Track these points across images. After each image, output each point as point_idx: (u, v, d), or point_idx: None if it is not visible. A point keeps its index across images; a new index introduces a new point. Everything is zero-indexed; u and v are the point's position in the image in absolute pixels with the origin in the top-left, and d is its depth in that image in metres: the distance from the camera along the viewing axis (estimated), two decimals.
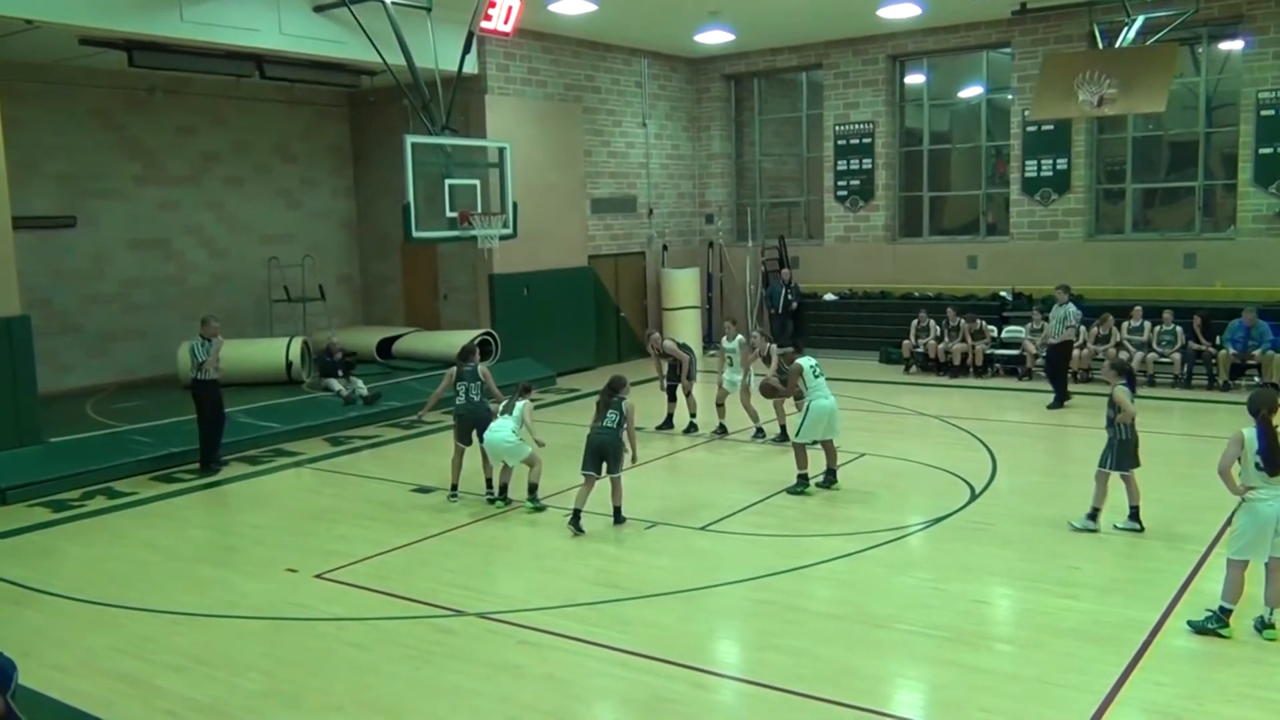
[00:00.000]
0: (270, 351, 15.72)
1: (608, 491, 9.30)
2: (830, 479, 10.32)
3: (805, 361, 10.30)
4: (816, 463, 10.36)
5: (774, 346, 12.48)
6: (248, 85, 16.30)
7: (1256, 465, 6.48)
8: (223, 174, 17.62)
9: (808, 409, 10.14)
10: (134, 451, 12.10)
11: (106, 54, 13.52)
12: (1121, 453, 8.69)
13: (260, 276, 17.83)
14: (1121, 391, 8.69)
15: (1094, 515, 8.78)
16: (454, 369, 10.48)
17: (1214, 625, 6.55)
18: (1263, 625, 6.55)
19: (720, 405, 12.97)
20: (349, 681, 6.39)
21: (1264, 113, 16.11)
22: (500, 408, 9.99)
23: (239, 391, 14.34)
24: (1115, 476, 8.72)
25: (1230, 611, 6.55)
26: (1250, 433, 6.55)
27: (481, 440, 10.12)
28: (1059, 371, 14.32)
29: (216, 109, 17.36)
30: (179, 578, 8.52)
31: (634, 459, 9.46)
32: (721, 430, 12.92)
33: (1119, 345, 15.63)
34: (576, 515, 9.14)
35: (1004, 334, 17.11)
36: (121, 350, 16.24)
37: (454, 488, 10.37)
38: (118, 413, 13.65)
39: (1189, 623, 6.67)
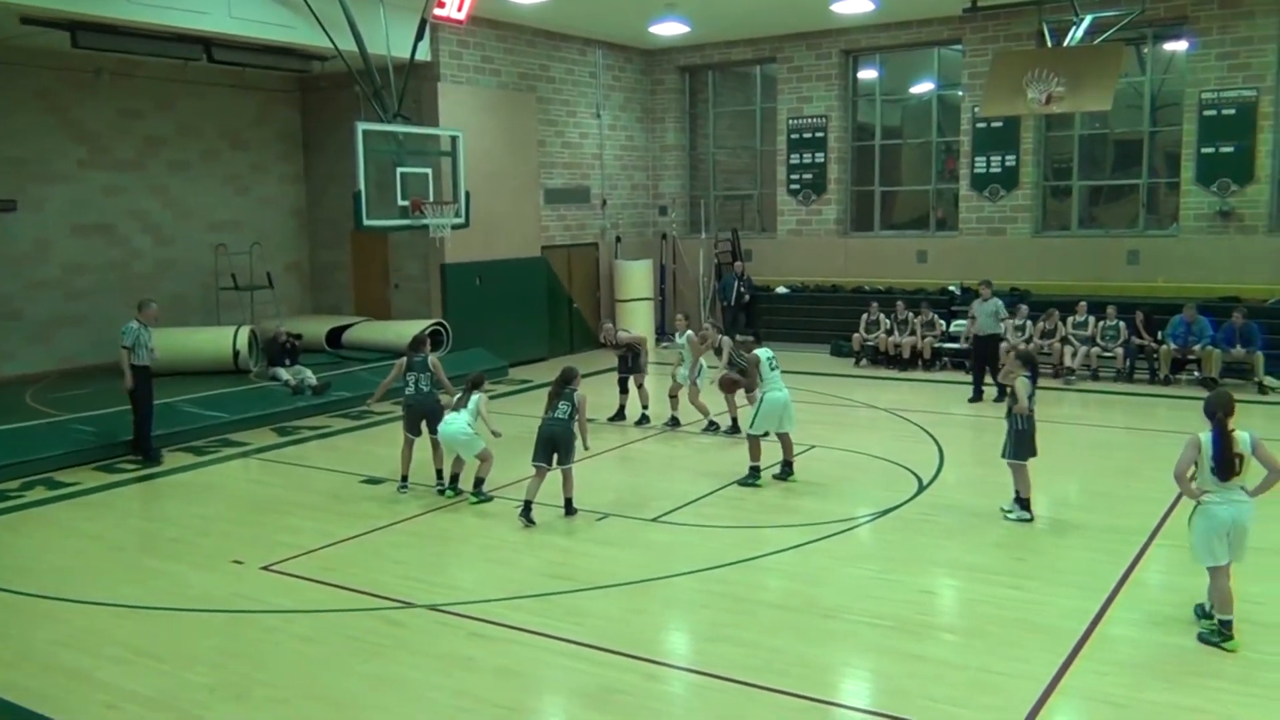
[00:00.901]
0: (217, 340, 15.49)
1: (559, 483, 9.29)
2: (786, 471, 10.41)
3: (763, 353, 10.35)
4: (770, 455, 10.43)
5: (726, 339, 12.53)
6: (196, 69, 16.01)
7: (1211, 469, 6.44)
8: (169, 159, 17.30)
9: (761, 401, 10.20)
10: (76, 441, 11.86)
11: (49, 34, 13.21)
12: (1019, 442, 8.91)
13: (207, 264, 17.54)
14: (1021, 383, 8.87)
15: (1025, 504, 8.96)
16: (404, 359, 10.40)
17: (1218, 640, 6.38)
18: (1204, 614, 6.63)
19: (673, 397, 13.00)
20: (297, 674, 6.33)
21: (1206, 113, 16.46)
22: (454, 401, 9.93)
23: (184, 381, 14.15)
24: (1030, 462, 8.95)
25: (1230, 623, 6.39)
26: (1206, 437, 6.50)
27: (431, 432, 10.08)
28: (987, 365, 14.40)
29: (163, 92, 17.02)
30: (122, 570, 8.39)
31: (586, 448, 9.46)
32: (674, 422, 12.96)
33: (1064, 340, 15.91)
34: (528, 507, 9.12)
35: (952, 328, 17.32)
36: (63, 337, 15.89)
37: (404, 479, 10.30)
38: (59, 401, 13.37)
39: (1199, 636, 6.49)
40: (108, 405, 12.47)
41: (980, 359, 14.52)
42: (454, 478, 10.14)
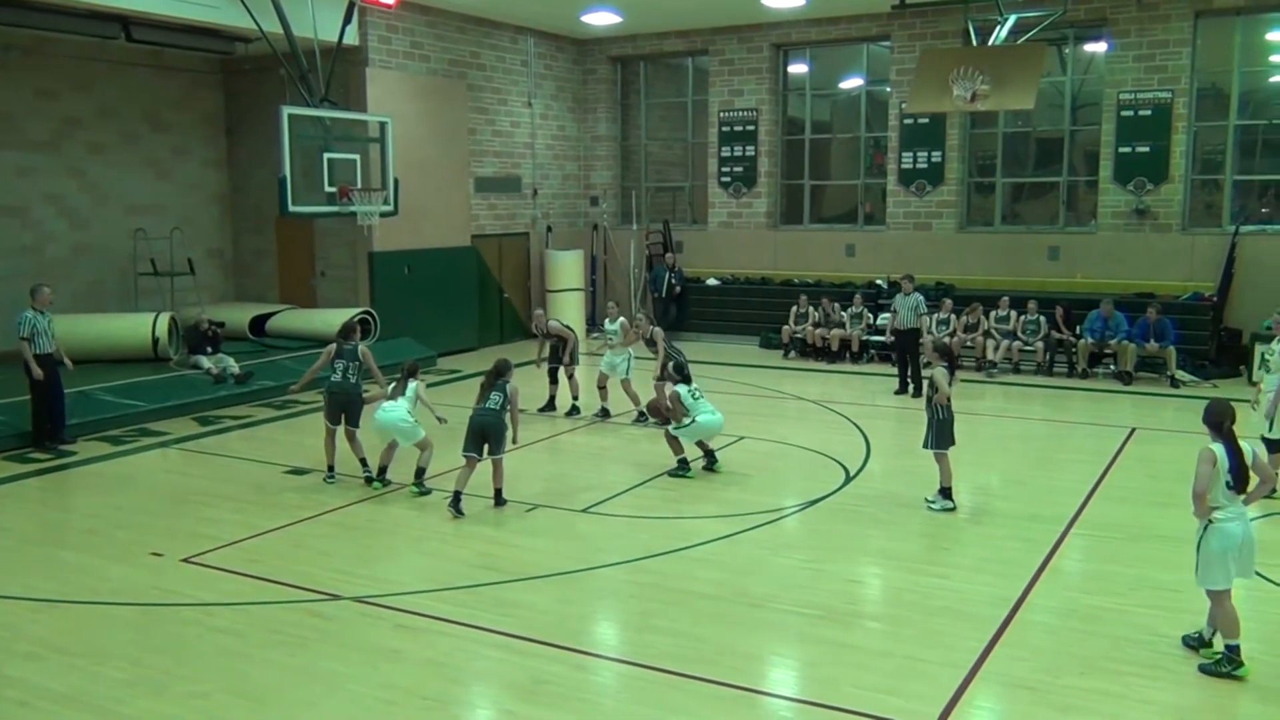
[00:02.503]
0: (135, 327, 15.08)
1: (488, 474, 9.23)
2: (711, 459, 10.47)
3: (682, 389, 10.32)
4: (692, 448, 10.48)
5: (659, 330, 12.56)
6: (114, 48, 15.51)
7: (1227, 484, 6.03)
8: (85, 140, 16.76)
9: (695, 424, 10.20)
10: None
11: None
12: (940, 432, 9.09)
13: (125, 249, 17.03)
14: (940, 373, 9.04)
15: (947, 494, 9.13)
16: (333, 346, 10.21)
17: (1228, 669, 5.96)
18: (1201, 643, 6.27)
19: (602, 388, 12.99)
20: (218, 668, 6.19)
21: (1124, 113, 16.90)
22: (388, 390, 9.78)
23: (102, 368, 13.75)
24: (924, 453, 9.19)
25: (1238, 648, 5.99)
26: (1220, 449, 6.07)
27: (349, 424, 9.93)
28: (910, 357, 14.66)
29: (80, 72, 16.48)
30: (34, 562, 8.13)
31: (515, 440, 9.41)
32: (604, 413, 12.95)
33: (986, 334, 16.25)
34: (457, 497, 9.05)
35: (879, 321, 17.55)
36: None
37: (330, 469, 10.13)
38: None
39: (1200, 667, 6.07)
40: (18, 393, 12.05)
41: (902, 352, 14.75)
42: (383, 469, 10.00)
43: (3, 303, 15.38)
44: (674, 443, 10.29)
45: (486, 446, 9.15)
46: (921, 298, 14.91)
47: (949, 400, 9.03)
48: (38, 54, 15.69)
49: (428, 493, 9.65)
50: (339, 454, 10.13)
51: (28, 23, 13.43)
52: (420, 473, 9.70)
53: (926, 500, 9.21)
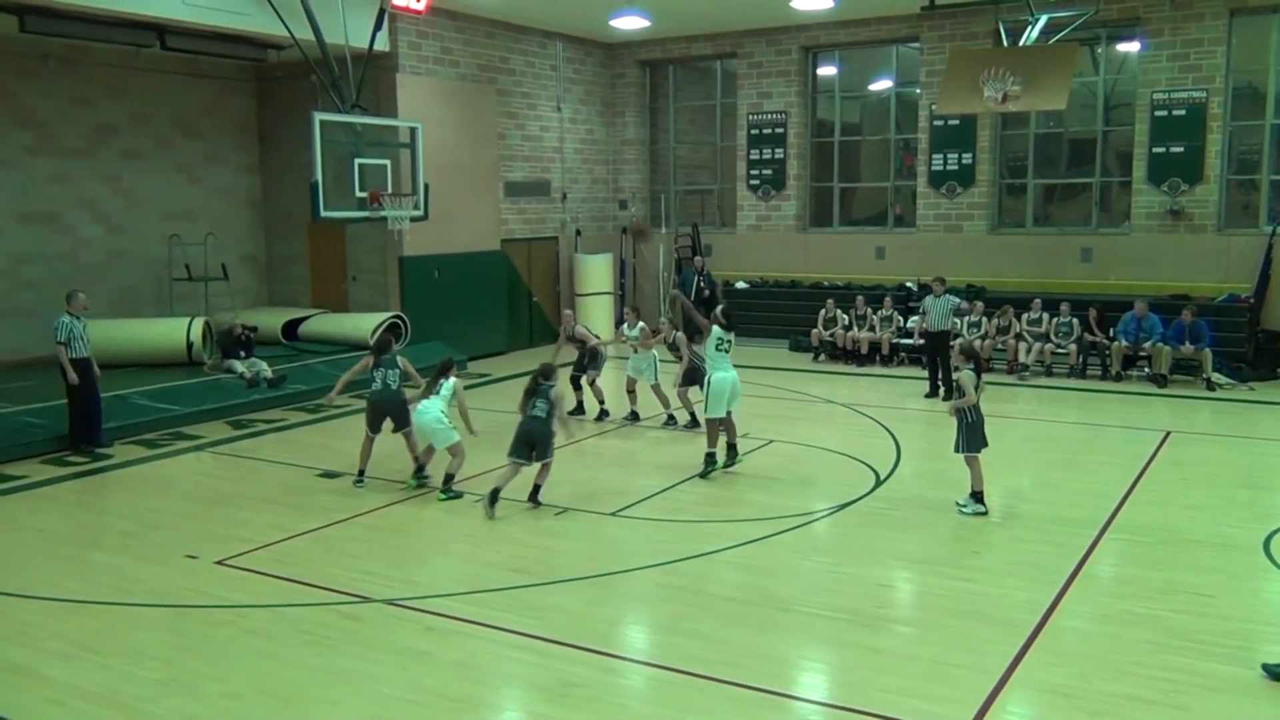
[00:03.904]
0: (170, 332, 15.25)
1: (525, 476, 9.27)
2: (732, 455, 10.50)
3: (715, 331, 10.31)
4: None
5: (681, 334, 12.54)
6: (148, 56, 15.72)
7: None
8: (120, 147, 16.98)
9: (709, 384, 10.24)
10: (24, 433, 11.64)
11: None
12: (970, 435, 9.03)
13: (160, 254, 17.25)
14: (967, 375, 9.00)
15: (978, 498, 9.07)
16: (370, 357, 10.26)
17: None
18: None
19: (631, 392, 12.99)
20: (249, 669, 6.25)
21: (1157, 113, 16.72)
22: (422, 389, 9.84)
23: (137, 373, 13.93)
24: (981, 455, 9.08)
25: None
26: None
27: (396, 429, 10.02)
28: (941, 360, 14.53)
29: (115, 80, 16.70)
30: (68, 563, 8.24)
31: (571, 435, 9.48)
32: (633, 416, 12.94)
33: (1018, 336, 16.11)
34: (494, 495, 9.05)
35: (909, 323, 17.46)
36: (10, 329, 15.53)
37: (361, 473, 10.19)
38: (6, 393, 13.07)
39: (1263, 667, 5.94)
40: (56, 397, 12.21)
41: (933, 354, 14.64)
42: (420, 466, 10.07)
43: (39, 308, 15.62)
44: (711, 430, 10.31)
45: (534, 452, 9.19)
46: (954, 299, 14.80)
47: (977, 403, 8.96)
48: (73, 62, 15.93)
49: (458, 496, 9.69)
50: (371, 458, 10.18)
51: (66, 32, 13.63)
52: (449, 479, 9.73)
53: (958, 504, 9.14)
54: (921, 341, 15.01)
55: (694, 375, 11.45)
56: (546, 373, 9.34)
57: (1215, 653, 6.28)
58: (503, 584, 7.58)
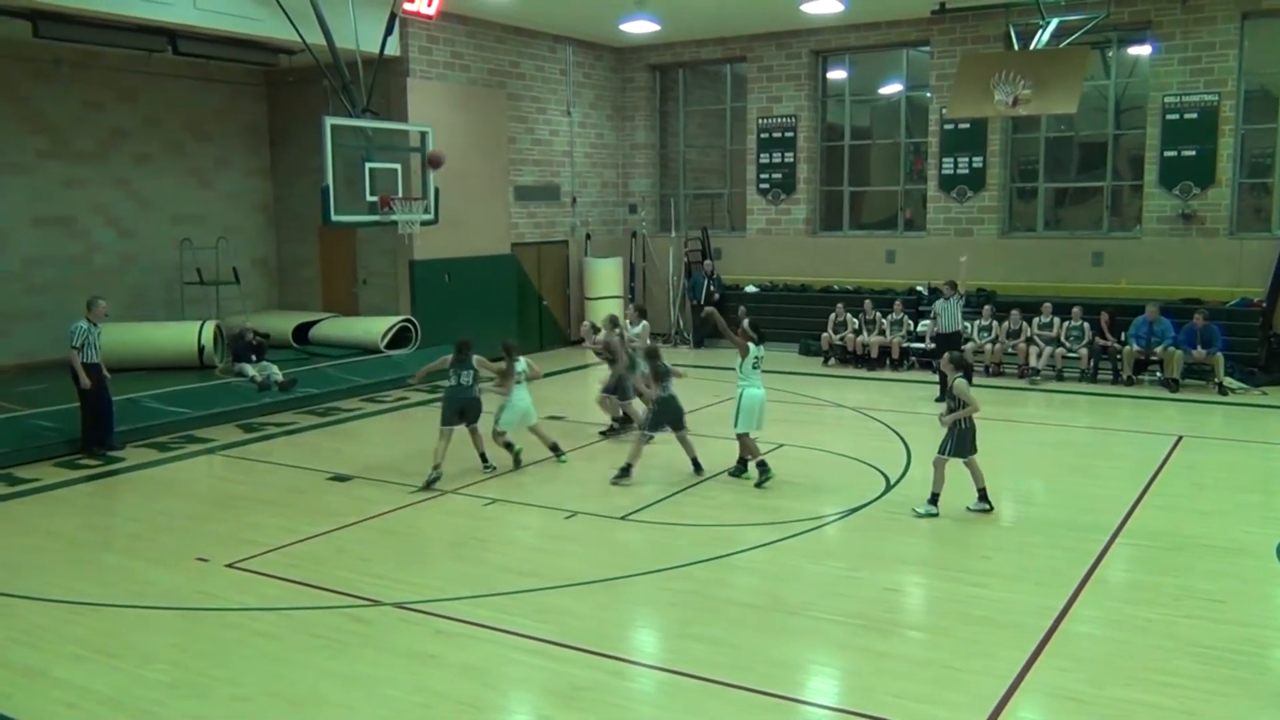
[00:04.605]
0: (181, 335, 15.29)
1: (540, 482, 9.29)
2: (740, 468, 10.49)
3: (754, 349, 10.19)
4: (724, 454, 10.45)
5: (623, 339, 12.32)
6: (160, 60, 15.77)
7: None
8: (132, 151, 17.06)
9: (742, 400, 10.06)
10: (37, 436, 11.69)
11: (9, 23, 12.98)
12: (960, 440, 9.05)
13: (171, 258, 17.32)
14: (961, 384, 9.00)
15: (934, 500, 9.12)
16: (449, 356, 10.75)
17: None
18: None
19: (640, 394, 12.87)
20: (259, 672, 6.26)
21: (1169, 116, 16.66)
22: (497, 382, 10.84)
23: (148, 376, 13.96)
24: (956, 463, 9.10)
25: None
26: None
27: (469, 424, 10.58)
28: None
29: (126, 84, 16.77)
30: (79, 566, 8.26)
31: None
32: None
33: (1029, 340, 16.06)
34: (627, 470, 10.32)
35: (919, 328, 17.41)
36: (23, 332, 15.61)
37: (436, 467, 10.25)
38: (18, 396, 13.13)
39: None
40: (67, 400, 12.26)
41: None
42: (484, 456, 10.74)
43: (51, 311, 15.70)
44: (745, 442, 10.23)
45: (465, 419, 10.37)
46: (962, 302, 14.75)
47: (978, 409, 8.98)
48: (84, 66, 16.00)
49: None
50: (391, 457, 10.21)
51: (78, 37, 13.70)
52: (555, 446, 11.05)
53: (967, 508, 9.12)
54: (933, 345, 14.96)
55: (622, 385, 11.97)
56: (464, 346, 10.49)
57: (1228, 659, 6.25)
58: (512, 587, 7.58)
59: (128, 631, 6.90)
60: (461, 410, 10.50)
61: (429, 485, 10.09)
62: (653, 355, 10.69)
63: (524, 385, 10.77)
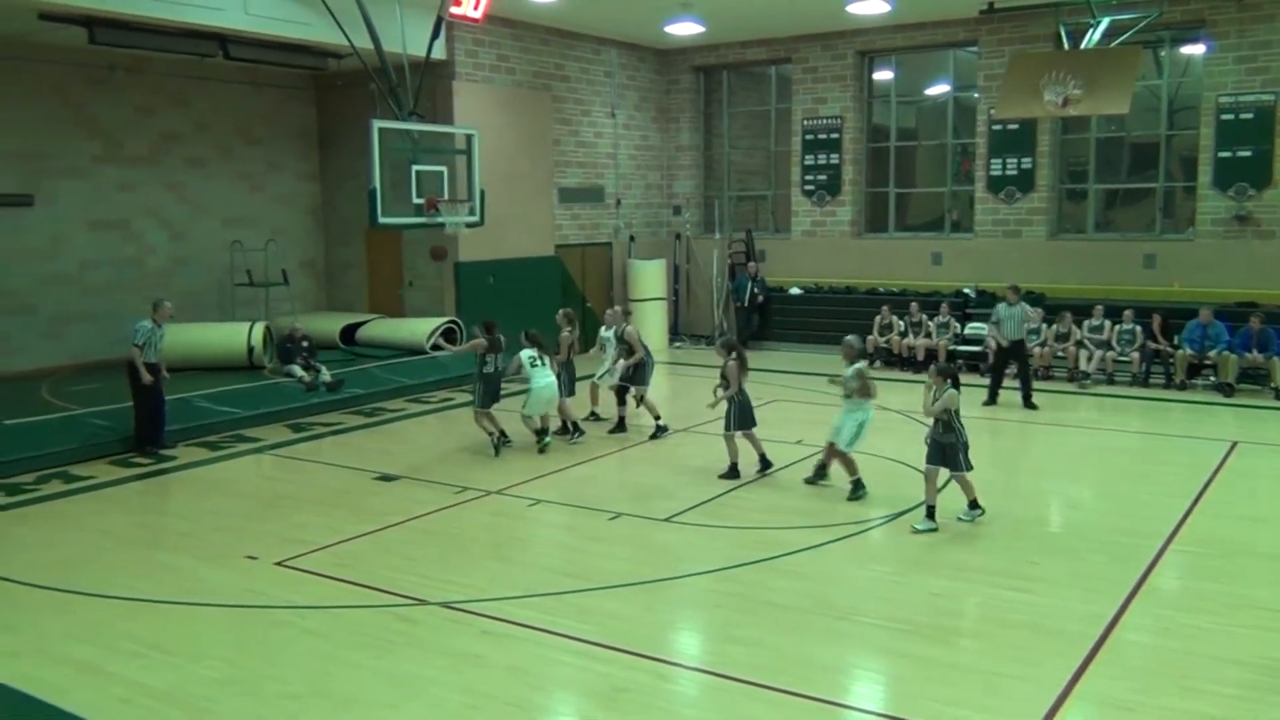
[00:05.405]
0: (231, 336, 15.53)
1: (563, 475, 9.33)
2: (765, 465, 10.65)
3: (523, 354, 11.53)
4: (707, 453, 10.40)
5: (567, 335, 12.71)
6: (210, 65, 16.04)
7: None
8: (183, 155, 17.35)
9: (859, 424, 9.97)
10: (90, 435, 11.92)
11: (66, 30, 13.26)
12: (952, 456, 8.86)
13: (222, 260, 17.60)
14: (951, 395, 8.82)
15: (930, 513, 8.88)
16: (483, 341, 11.73)
17: None
18: None
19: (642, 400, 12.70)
20: (307, 670, 6.34)
21: (1224, 116, 16.35)
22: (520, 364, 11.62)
23: (199, 376, 14.18)
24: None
25: None
26: None
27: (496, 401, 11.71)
28: (1005, 370, 14.33)
29: (178, 89, 17.07)
30: (134, 563, 8.41)
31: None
32: (661, 429, 12.58)
33: (1079, 344, 15.84)
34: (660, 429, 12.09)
35: (967, 330, 17.24)
36: (76, 333, 15.94)
37: (502, 433, 11.60)
38: (74, 395, 13.42)
39: None
40: (121, 400, 12.50)
41: (1003, 364, 14.37)
42: (500, 433, 11.62)
43: (104, 313, 16.05)
44: (844, 461, 9.97)
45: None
46: (1027, 307, 14.40)
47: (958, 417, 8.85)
48: (137, 72, 16.29)
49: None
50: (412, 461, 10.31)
51: (133, 43, 13.94)
52: (573, 424, 12.09)
53: (958, 518, 8.96)
54: (992, 349, 14.68)
55: (640, 373, 12.46)
56: (491, 326, 11.70)
57: None
58: (556, 588, 7.61)
59: (179, 628, 7.01)
60: (496, 390, 11.70)
61: (499, 449, 11.47)
62: (731, 347, 10.62)
63: (544, 368, 11.58)
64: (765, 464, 10.68)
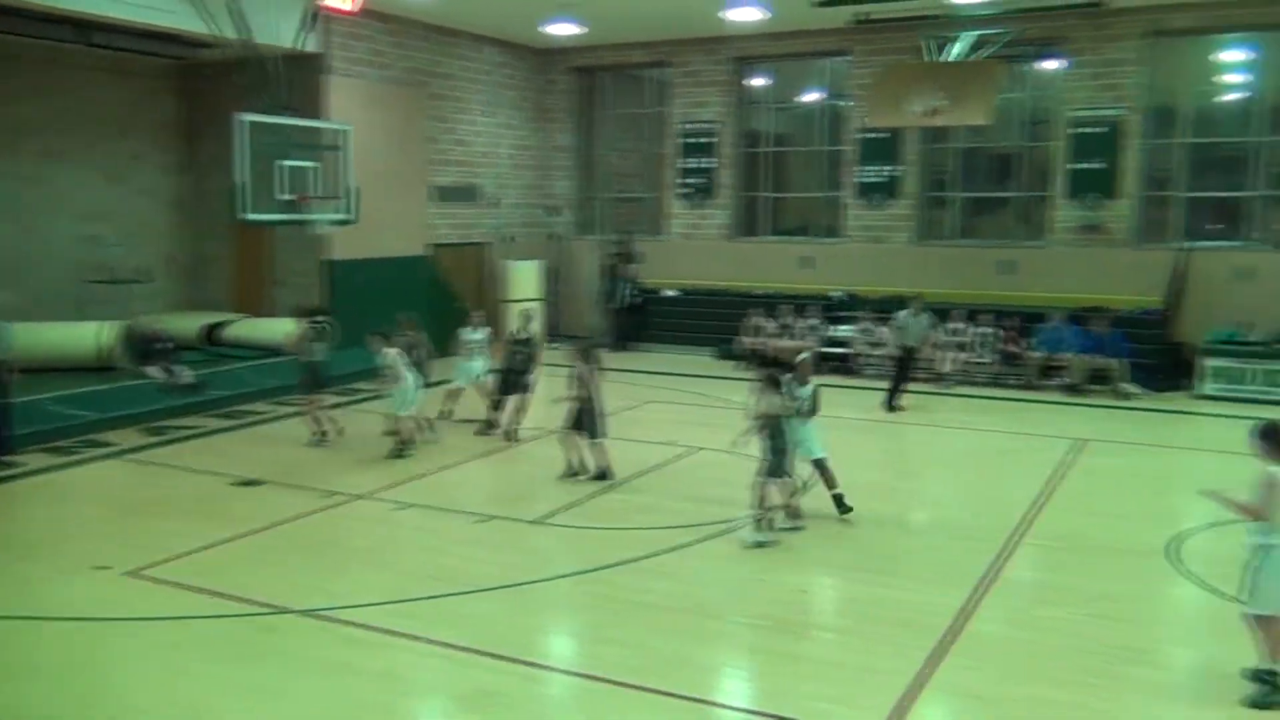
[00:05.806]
0: (85, 335, 14.77)
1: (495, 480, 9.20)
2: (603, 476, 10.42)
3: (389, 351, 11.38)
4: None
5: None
6: (71, 53, 15.26)
7: None
8: (38, 146, 16.47)
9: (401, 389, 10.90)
10: None
11: None
12: (778, 460, 8.72)
13: (78, 256, 16.76)
14: (772, 402, 8.71)
15: (759, 524, 8.72)
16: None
17: (1277, 698, 5.72)
18: (1265, 679, 5.81)
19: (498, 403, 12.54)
20: (155, 683, 6.09)
21: (1077, 130, 17.15)
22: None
23: (49, 377, 13.46)
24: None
25: None
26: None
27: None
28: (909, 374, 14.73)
29: (34, 76, 16.21)
30: None
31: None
32: (489, 426, 12.46)
33: (939, 346, 16.37)
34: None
35: (834, 332, 17.63)
36: None
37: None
38: None
39: (1249, 700, 5.75)
40: None
41: (904, 369, 14.60)
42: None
43: None
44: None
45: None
46: (928, 318, 14.69)
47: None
48: None
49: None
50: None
51: None
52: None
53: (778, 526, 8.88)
54: (897, 353, 14.85)
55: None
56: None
57: (1125, 655, 6.45)
58: (424, 593, 7.49)
59: (15, 645, 6.66)
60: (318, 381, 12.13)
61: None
62: (774, 383, 9.01)
63: (404, 365, 11.44)
64: (603, 475, 10.46)
